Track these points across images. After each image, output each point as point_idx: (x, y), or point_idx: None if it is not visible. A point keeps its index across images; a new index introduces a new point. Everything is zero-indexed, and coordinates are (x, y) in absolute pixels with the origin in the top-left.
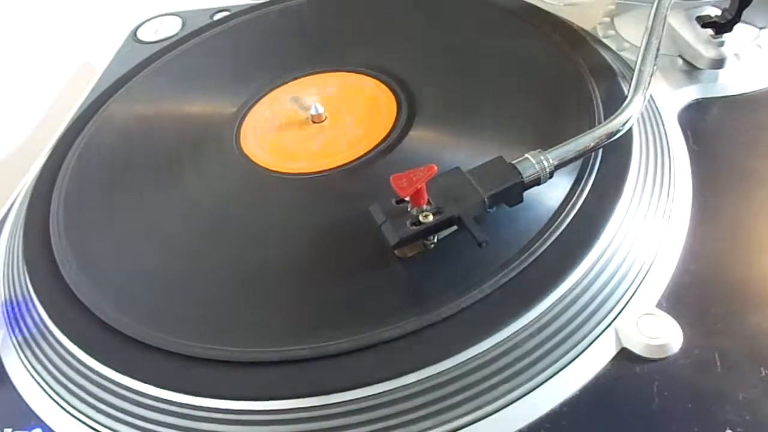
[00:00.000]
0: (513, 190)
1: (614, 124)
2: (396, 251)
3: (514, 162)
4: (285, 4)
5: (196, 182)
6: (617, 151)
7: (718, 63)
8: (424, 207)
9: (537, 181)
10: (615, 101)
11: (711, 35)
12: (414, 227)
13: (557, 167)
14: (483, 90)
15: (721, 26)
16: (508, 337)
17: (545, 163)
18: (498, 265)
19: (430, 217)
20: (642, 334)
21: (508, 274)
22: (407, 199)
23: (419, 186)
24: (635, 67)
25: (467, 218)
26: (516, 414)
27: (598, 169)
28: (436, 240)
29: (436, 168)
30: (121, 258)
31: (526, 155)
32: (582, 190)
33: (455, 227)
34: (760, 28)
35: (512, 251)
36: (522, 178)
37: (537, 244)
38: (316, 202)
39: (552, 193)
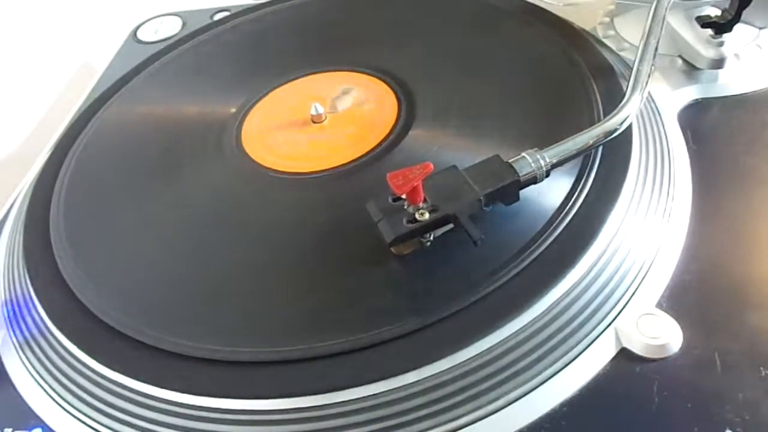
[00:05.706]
0: (509, 188)
1: (611, 123)
2: (392, 249)
3: (510, 161)
4: (285, 4)
5: (196, 182)
6: (617, 150)
7: (718, 63)
8: (421, 205)
9: (533, 180)
10: (615, 101)
11: (711, 35)
12: (410, 225)
13: (554, 166)
14: (483, 90)
15: (720, 26)
16: (507, 336)
17: (542, 162)
18: (497, 264)
19: (426, 215)
20: (642, 334)
21: (507, 273)
22: (404, 196)
23: (415, 183)
24: (633, 66)
25: (463, 216)
26: (516, 414)
27: (598, 168)
28: (432, 238)
29: (432, 166)
30: (121, 258)
31: (523, 154)
32: (582, 190)
33: (451, 225)
34: (760, 28)
35: (512, 250)
36: (518, 176)
37: (537, 243)
38: (315, 202)
39: (552, 193)
